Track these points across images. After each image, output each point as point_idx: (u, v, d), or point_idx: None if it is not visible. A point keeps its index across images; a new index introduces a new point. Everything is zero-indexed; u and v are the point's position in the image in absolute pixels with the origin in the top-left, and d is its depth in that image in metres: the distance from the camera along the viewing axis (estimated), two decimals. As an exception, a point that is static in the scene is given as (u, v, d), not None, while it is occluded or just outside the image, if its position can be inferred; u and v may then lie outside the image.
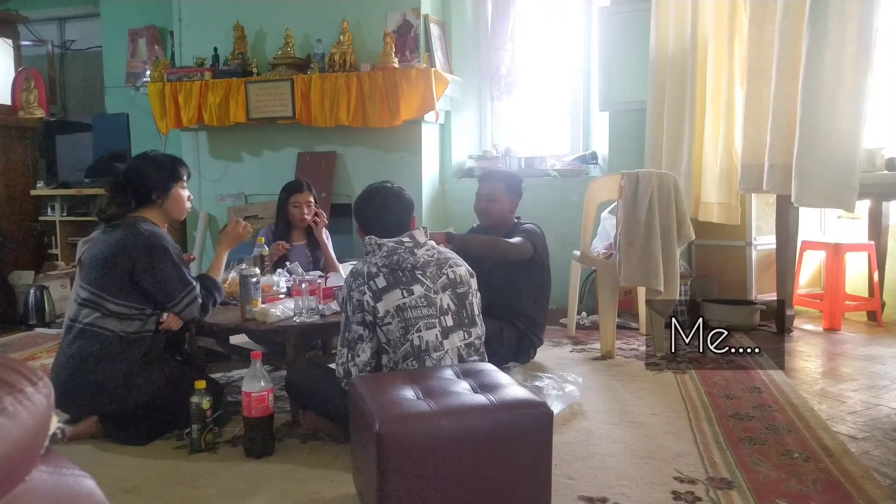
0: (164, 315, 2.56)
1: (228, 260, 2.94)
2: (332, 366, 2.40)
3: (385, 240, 2.24)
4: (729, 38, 4.12)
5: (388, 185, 2.41)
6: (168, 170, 2.59)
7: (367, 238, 2.27)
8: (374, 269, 2.20)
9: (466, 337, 2.28)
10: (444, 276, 2.27)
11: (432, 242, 2.33)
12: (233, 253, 3.00)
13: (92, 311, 2.45)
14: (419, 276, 2.22)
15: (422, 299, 2.19)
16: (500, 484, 1.75)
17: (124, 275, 2.44)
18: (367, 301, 2.17)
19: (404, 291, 2.18)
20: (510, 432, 1.76)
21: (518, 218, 3.32)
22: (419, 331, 2.17)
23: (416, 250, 2.24)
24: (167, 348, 2.69)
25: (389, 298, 2.17)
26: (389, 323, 2.17)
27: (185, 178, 2.66)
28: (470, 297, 2.33)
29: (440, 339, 2.20)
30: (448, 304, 2.25)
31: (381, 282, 2.18)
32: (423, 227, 2.34)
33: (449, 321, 2.24)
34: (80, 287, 2.51)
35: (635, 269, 3.35)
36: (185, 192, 2.67)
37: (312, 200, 3.50)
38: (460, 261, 2.38)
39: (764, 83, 3.80)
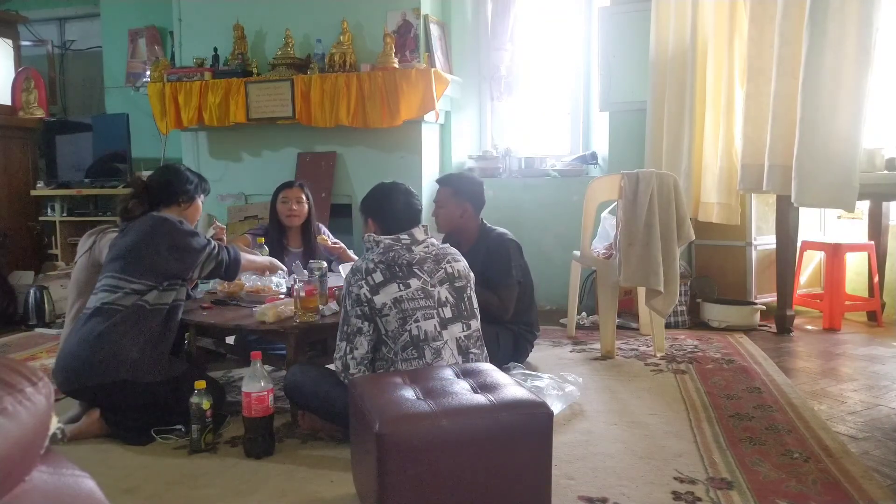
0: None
1: None
2: (331, 366, 2.41)
3: (382, 237, 2.31)
4: (729, 38, 4.12)
5: (401, 184, 2.48)
6: (196, 181, 2.86)
7: (366, 235, 2.34)
8: (371, 265, 2.25)
9: (465, 329, 2.32)
10: (442, 271, 2.32)
11: (432, 240, 2.38)
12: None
13: (112, 294, 2.53)
14: (416, 270, 2.27)
15: (419, 291, 2.24)
16: (500, 484, 1.75)
17: (151, 258, 2.55)
18: (364, 294, 2.22)
19: (401, 285, 2.24)
20: (510, 432, 1.76)
21: (483, 221, 3.26)
22: (417, 321, 2.22)
23: (413, 247, 2.30)
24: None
25: (386, 292, 2.22)
26: (388, 314, 2.22)
27: (206, 193, 2.94)
28: (468, 292, 2.37)
29: (438, 329, 2.24)
30: (446, 297, 2.29)
31: (378, 276, 2.24)
32: (424, 226, 2.38)
33: (447, 313, 2.28)
34: (105, 276, 2.59)
35: (635, 269, 3.34)
36: (201, 206, 2.92)
37: (304, 198, 3.49)
38: (459, 256, 2.42)
39: (764, 83, 3.80)
